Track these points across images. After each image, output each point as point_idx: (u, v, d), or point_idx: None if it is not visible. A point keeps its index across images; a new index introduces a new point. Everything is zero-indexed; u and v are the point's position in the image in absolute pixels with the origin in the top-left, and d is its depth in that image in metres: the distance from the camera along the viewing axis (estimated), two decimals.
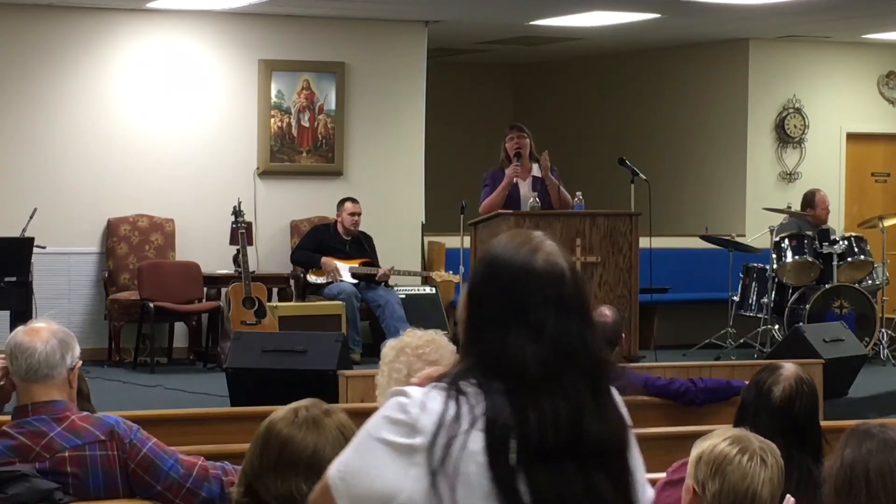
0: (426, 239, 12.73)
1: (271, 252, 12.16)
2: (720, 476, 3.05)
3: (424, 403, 2.18)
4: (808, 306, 11.37)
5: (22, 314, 9.64)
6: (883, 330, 11.75)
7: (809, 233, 11.73)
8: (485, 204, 9.82)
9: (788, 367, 3.99)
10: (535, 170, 9.95)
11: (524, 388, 2.15)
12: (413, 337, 3.68)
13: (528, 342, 2.17)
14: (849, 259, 11.68)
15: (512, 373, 2.16)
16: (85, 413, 3.88)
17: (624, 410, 2.27)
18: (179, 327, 11.73)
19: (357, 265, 11.63)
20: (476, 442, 2.13)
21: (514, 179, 9.80)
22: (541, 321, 2.18)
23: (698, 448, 3.12)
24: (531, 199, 9.66)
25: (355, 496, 2.20)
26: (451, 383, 2.19)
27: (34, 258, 10.48)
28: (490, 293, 2.22)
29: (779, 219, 12.08)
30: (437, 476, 2.13)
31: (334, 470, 2.24)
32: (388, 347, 3.78)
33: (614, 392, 2.27)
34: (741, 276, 11.93)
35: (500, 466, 2.12)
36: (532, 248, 2.23)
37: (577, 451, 2.15)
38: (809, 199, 12.27)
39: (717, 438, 3.12)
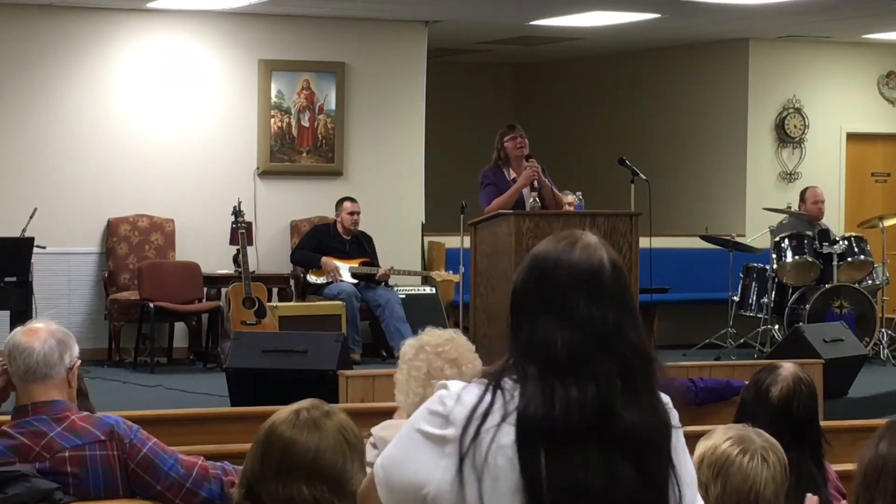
0: (426, 239, 12.72)
1: (271, 252, 12.16)
2: (722, 478, 3.03)
3: (461, 396, 2.23)
4: (808, 306, 11.37)
5: (22, 314, 9.63)
6: (883, 330, 11.74)
7: (809, 233, 11.73)
8: (495, 204, 9.59)
9: (787, 367, 3.98)
10: None
11: (554, 372, 2.18)
12: (432, 335, 3.75)
13: (557, 328, 2.21)
14: (849, 259, 11.68)
15: (542, 357, 2.20)
16: (85, 413, 3.88)
17: (671, 412, 2.27)
18: (179, 327, 11.72)
19: (357, 265, 11.63)
20: (507, 436, 2.16)
21: (513, 179, 9.75)
22: (572, 308, 2.22)
23: (700, 449, 3.10)
24: (531, 200, 9.63)
25: (392, 485, 2.25)
26: (492, 378, 2.23)
27: (34, 258, 10.46)
28: (527, 287, 2.28)
29: (778, 219, 12.08)
30: (463, 467, 2.16)
31: (379, 460, 2.30)
32: (408, 346, 3.81)
33: (661, 394, 2.27)
34: (741, 276, 11.93)
35: (527, 460, 2.14)
36: (571, 241, 2.28)
37: (602, 437, 2.16)
38: (801, 195, 12.31)
39: (719, 438, 3.09)
